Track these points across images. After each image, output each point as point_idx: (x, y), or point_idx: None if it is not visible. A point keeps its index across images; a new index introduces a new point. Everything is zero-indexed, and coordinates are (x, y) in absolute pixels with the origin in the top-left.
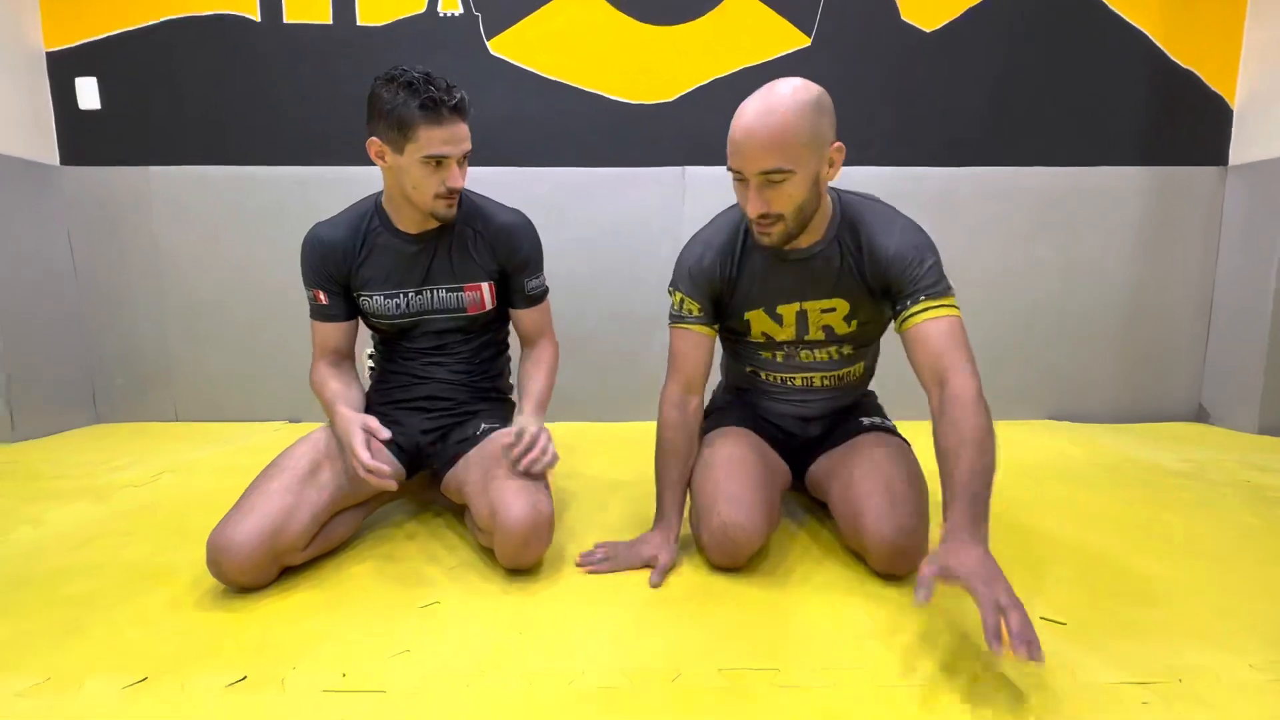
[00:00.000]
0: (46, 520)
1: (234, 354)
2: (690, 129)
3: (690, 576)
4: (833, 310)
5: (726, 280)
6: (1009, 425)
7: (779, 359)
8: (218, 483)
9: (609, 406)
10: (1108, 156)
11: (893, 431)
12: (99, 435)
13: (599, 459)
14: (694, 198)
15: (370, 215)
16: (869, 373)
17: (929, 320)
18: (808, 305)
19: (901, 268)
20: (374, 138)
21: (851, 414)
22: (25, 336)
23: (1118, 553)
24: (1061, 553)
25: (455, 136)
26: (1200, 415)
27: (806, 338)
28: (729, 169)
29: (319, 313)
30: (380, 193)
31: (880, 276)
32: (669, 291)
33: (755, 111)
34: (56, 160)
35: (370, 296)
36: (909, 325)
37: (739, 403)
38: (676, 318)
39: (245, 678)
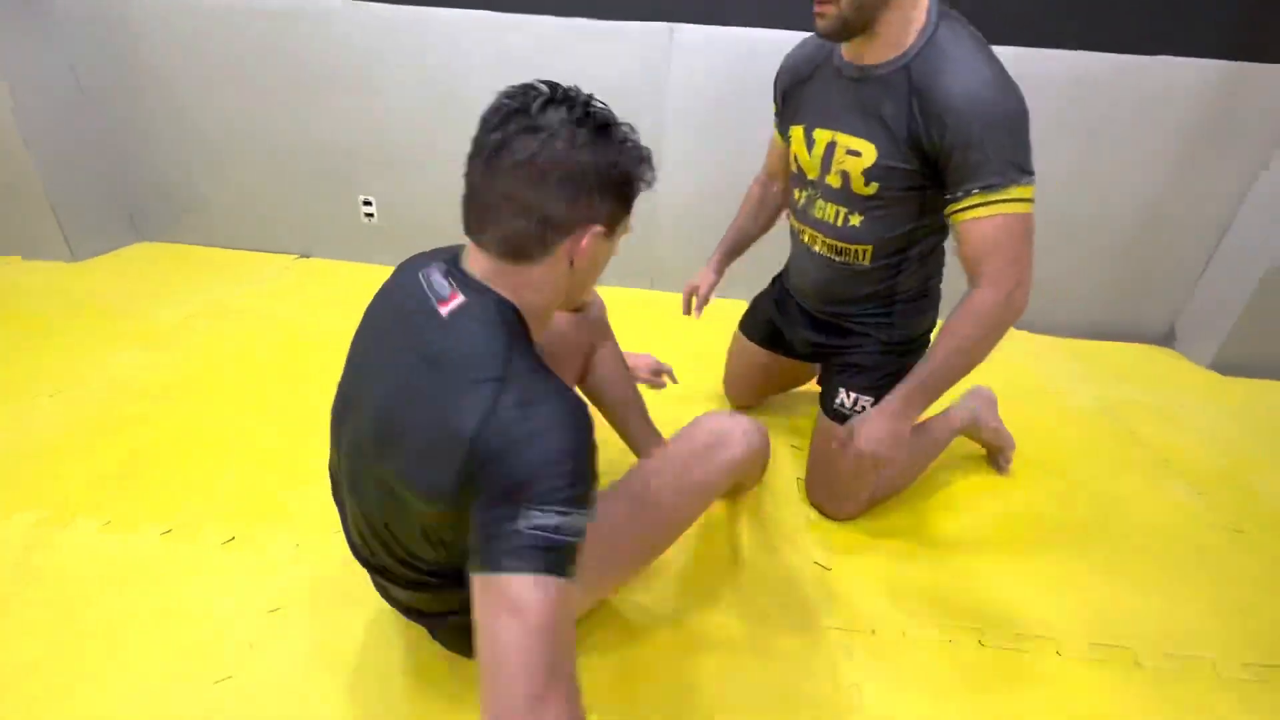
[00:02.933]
0: (110, 366)
1: (251, 185)
2: None
3: None
4: (858, 155)
5: (798, 81)
6: None
7: (801, 202)
8: (238, 330)
9: None
10: (1173, 43)
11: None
12: (146, 259)
13: None
14: (681, 61)
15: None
16: (884, 284)
17: (973, 221)
18: (840, 137)
19: (955, 139)
20: (597, 225)
21: (837, 356)
22: (56, 161)
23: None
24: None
25: None
26: (1168, 339)
27: (826, 179)
28: None
29: None
30: (505, 313)
31: (933, 133)
32: None
33: None
34: None
35: None
36: (955, 220)
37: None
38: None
39: (299, 545)
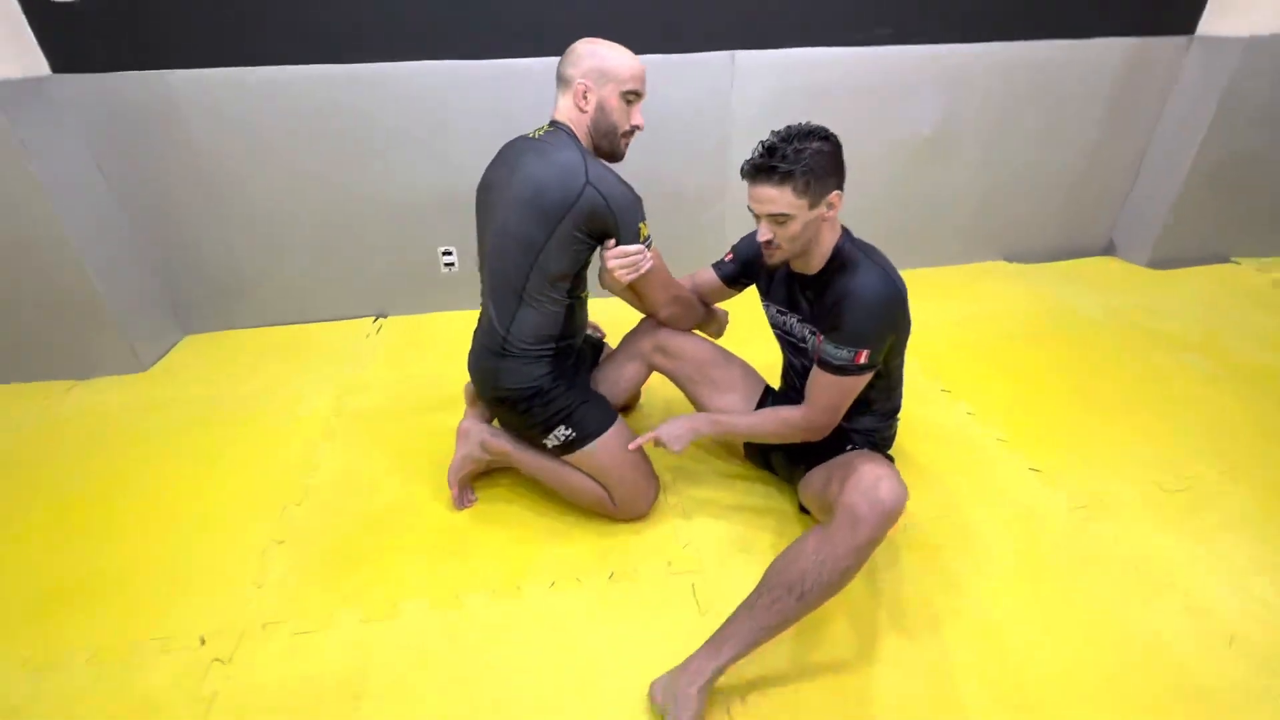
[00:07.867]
0: (320, 465)
1: (308, 259)
2: (739, 6)
3: None
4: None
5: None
6: (970, 269)
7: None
8: (399, 398)
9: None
10: (1102, 27)
11: None
12: (212, 351)
13: None
14: (743, 84)
15: None
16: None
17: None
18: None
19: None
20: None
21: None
22: (108, 266)
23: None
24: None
25: None
26: (1108, 249)
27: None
28: (636, 92)
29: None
30: None
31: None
32: (643, 225)
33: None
34: (47, 69)
35: None
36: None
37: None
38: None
39: (554, 582)
